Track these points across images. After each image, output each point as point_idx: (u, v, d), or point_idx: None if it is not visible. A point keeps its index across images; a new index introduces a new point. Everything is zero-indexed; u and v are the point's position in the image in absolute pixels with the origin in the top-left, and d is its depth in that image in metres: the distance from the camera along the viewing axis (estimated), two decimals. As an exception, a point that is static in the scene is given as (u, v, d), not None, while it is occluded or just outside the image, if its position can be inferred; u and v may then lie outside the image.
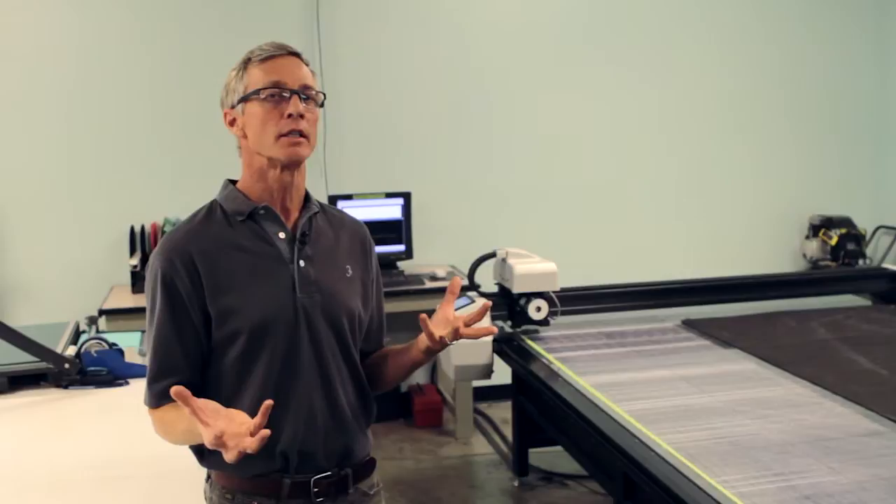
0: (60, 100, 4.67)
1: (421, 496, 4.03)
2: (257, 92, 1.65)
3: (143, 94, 4.75)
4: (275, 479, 1.67)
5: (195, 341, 1.65)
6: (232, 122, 1.71)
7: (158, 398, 1.65)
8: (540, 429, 3.77)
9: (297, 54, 1.70)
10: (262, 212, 1.70)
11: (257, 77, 1.66)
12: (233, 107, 1.70)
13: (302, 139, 1.65)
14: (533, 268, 3.84)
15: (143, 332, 1.60)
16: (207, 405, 1.46)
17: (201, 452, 1.70)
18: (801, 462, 2.43)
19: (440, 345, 1.67)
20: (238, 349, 1.65)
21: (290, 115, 1.63)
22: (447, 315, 1.70)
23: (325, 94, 1.72)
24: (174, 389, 1.42)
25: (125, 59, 4.72)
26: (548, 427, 3.60)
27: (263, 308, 1.65)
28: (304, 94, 1.66)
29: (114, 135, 4.74)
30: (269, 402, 1.42)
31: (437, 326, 1.68)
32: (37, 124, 4.66)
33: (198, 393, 1.68)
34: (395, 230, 4.86)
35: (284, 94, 1.64)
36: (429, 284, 4.63)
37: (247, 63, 1.68)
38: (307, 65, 1.71)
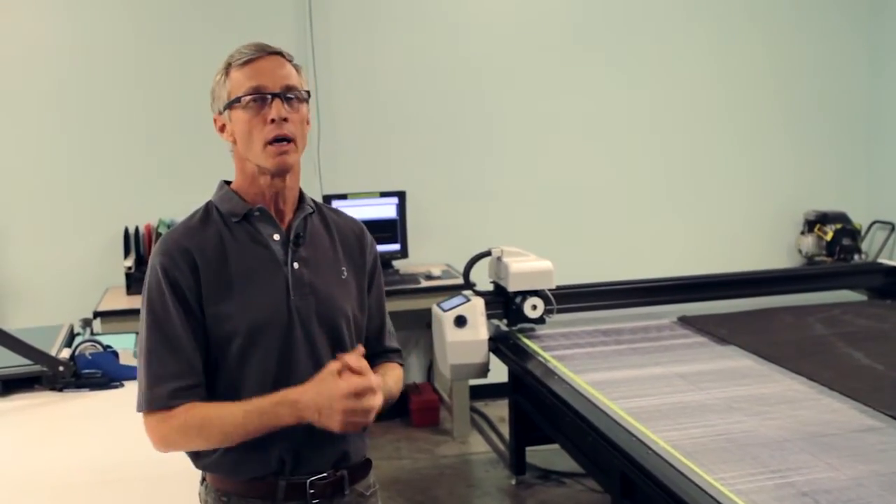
0: (53, 101, 4.65)
1: (418, 495, 4.03)
2: (239, 99, 1.63)
3: (137, 94, 4.74)
4: (270, 481, 1.66)
5: (202, 337, 1.62)
6: (222, 128, 1.69)
7: (171, 397, 1.58)
8: (537, 427, 3.77)
9: (278, 53, 1.67)
10: (257, 213, 1.69)
11: (239, 82, 1.63)
12: (220, 113, 1.68)
13: (288, 145, 1.63)
14: (528, 266, 3.84)
15: (137, 333, 1.57)
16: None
17: (197, 455, 1.69)
18: (798, 458, 2.43)
19: None
20: (233, 351, 1.63)
21: (272, 121, 1.61)
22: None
23: (309, 92, 1.70)
24: (353, 359, 1.55)
25: (118, 61, 4.70)
26: (545, 425, 3.59)
27: (258, 311, 1.64)
28: (287, 95, 1.64)
29: (107, 136, 4.72)
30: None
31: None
32: (30, 126, 4.64)
33: (205, 393, 1.64)
34: (391, 229, 4.85)
35: (266, 98, 1.62)
36: (424, 283, 4.62)
37: (228, 67, 1.66)
38: (290, 61, 1.68)
